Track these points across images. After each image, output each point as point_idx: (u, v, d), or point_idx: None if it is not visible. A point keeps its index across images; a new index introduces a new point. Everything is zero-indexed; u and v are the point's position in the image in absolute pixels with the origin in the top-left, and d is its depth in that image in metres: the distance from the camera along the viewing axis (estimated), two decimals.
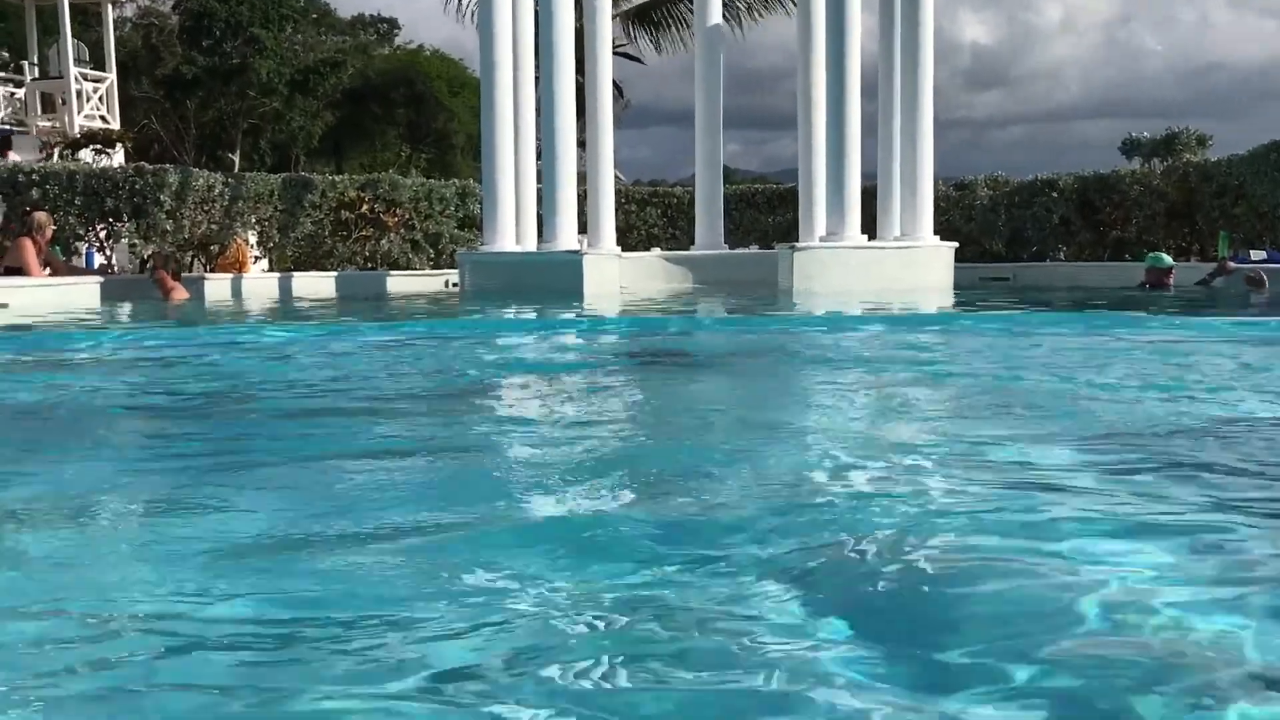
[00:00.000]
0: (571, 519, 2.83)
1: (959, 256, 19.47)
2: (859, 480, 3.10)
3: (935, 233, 19.65)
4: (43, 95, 28.57)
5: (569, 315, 13.45)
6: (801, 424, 4.25)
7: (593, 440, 3.84)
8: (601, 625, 2.02)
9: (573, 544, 2.59)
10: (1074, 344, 7.76)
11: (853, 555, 2.47)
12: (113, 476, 3.53)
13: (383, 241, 22.48)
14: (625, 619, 2.02)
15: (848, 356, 7.21)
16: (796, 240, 20.44)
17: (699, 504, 2.85)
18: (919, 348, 7.58)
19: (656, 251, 22.89)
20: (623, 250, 20.22)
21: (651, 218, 26.78)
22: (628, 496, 2.99)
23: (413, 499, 2.94)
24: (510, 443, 3.86)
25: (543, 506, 2.98)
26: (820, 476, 3.23)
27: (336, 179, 22.67)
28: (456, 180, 24.85)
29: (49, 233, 16.27)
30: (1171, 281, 17.59)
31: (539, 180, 19.20)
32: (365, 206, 22.44)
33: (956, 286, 18.03)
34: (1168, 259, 18.07)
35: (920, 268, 18.49)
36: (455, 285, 19.64)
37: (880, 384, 5.71)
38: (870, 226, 19.86)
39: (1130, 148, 42.72)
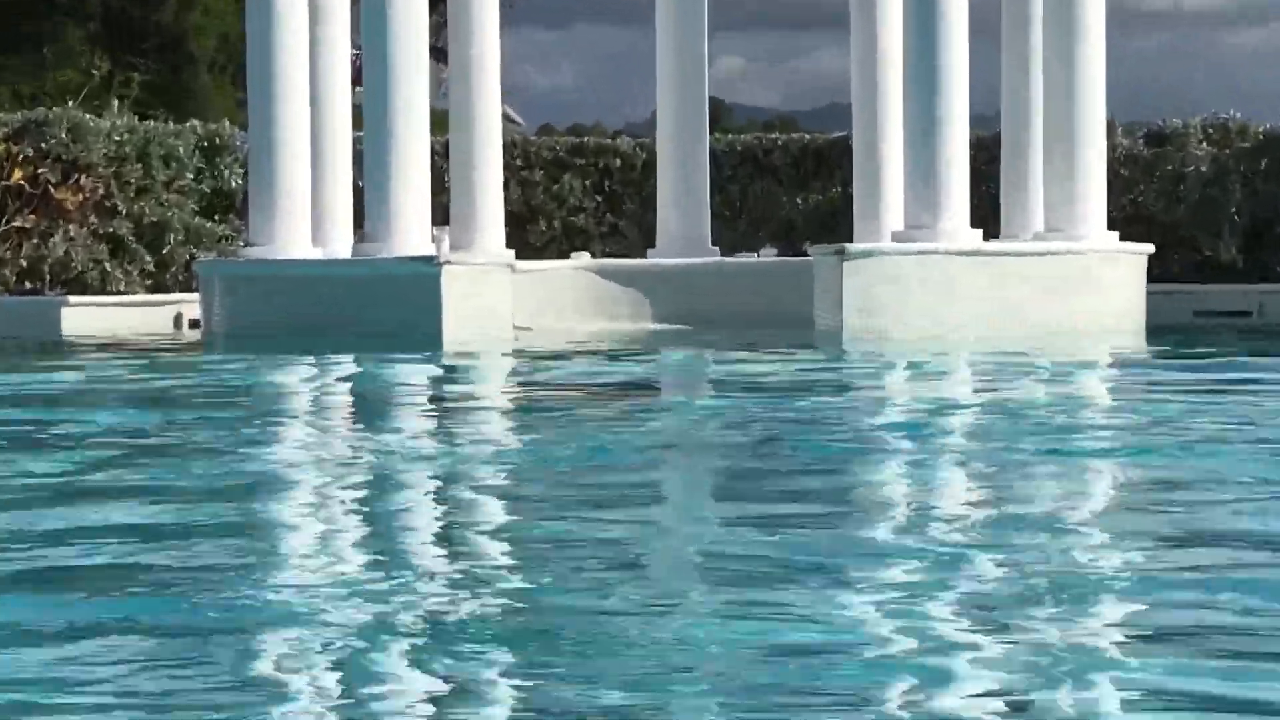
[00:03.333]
0: None
1: (1155, 269, 17.91)
2: None
3: (1111, 227, 17.61)
4: None
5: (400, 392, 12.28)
6: None
7: None
8: None
9: None
10: None
11: None
12: None
13: (54, 239, 20.20)
14: None
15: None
16: (849, 238, 18.67)
17: None
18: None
19: (585, 259, 20.86)
20: (520, 256, 18.49)
21: (575, 194, 23.91)
22: None
23: None
24: None
25: None
26: None
27: None
28: (198, 124, 21.95)
29: None
30: None
31: (357, 129, 17.80)
32: (18, 172, 20.10)
33: (1155, 329, 16.60)
34: None
35: (1082, 291, 16.60)
36: (195, 325, 18.05)
37: None
38: (984, 213, 18.29)
39: None
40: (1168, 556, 5.01)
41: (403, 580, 4.59)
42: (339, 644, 3.83)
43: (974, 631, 3.86)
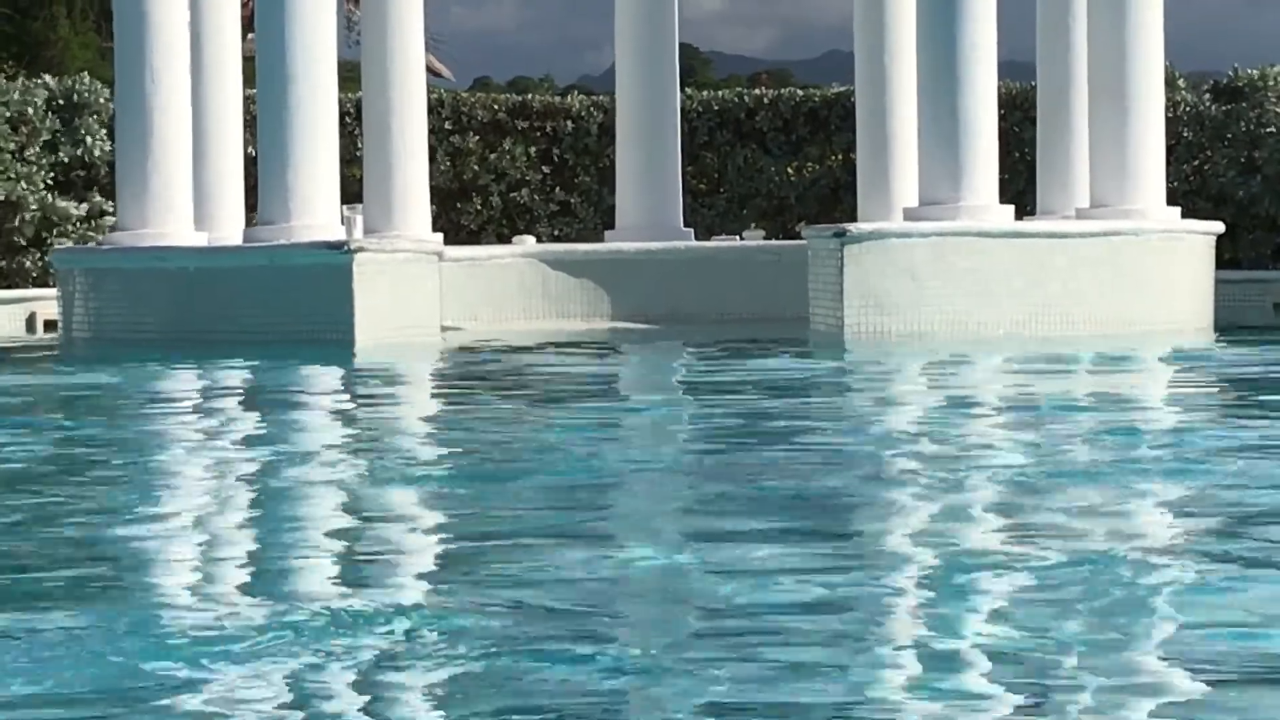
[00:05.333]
0: None
1: (1225, 252, 18.35)
2: None
3: (1171, 201, 17.81)
4: None
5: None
6: None
7: None
8: None
9: None
10: None
11: None
12: None
13: None
14: None
15: None
16: (851, 217, 19.24)
17: None
18: None
19: (529, 244, 20.90)
20: (450, 241, 19.15)
21: (517, 165, 24.02)
22: None
23: None
24: None
25: None
26: None
27: None
28: (49, 80, 21.81)
29: None
30: None
31: (250, 86, 18.16)
32: None
33: (1222, 326, 17.01)
34: None
35: (1137, 281, 16.79)
36: (53, 326, 18.53)
37: None
38: (1017, 185, 19.32)
39: None
40: None
41: None
42: None
43: None
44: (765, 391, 12.71)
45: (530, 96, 25.48)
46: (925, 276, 15.82)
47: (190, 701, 4.01)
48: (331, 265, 15.56)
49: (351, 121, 20.15)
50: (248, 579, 5.79)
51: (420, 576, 5.80)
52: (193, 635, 4.69)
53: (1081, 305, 16.05)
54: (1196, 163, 21.09)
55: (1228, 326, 16.65)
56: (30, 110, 20.74)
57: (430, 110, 19.48)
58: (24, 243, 20.13)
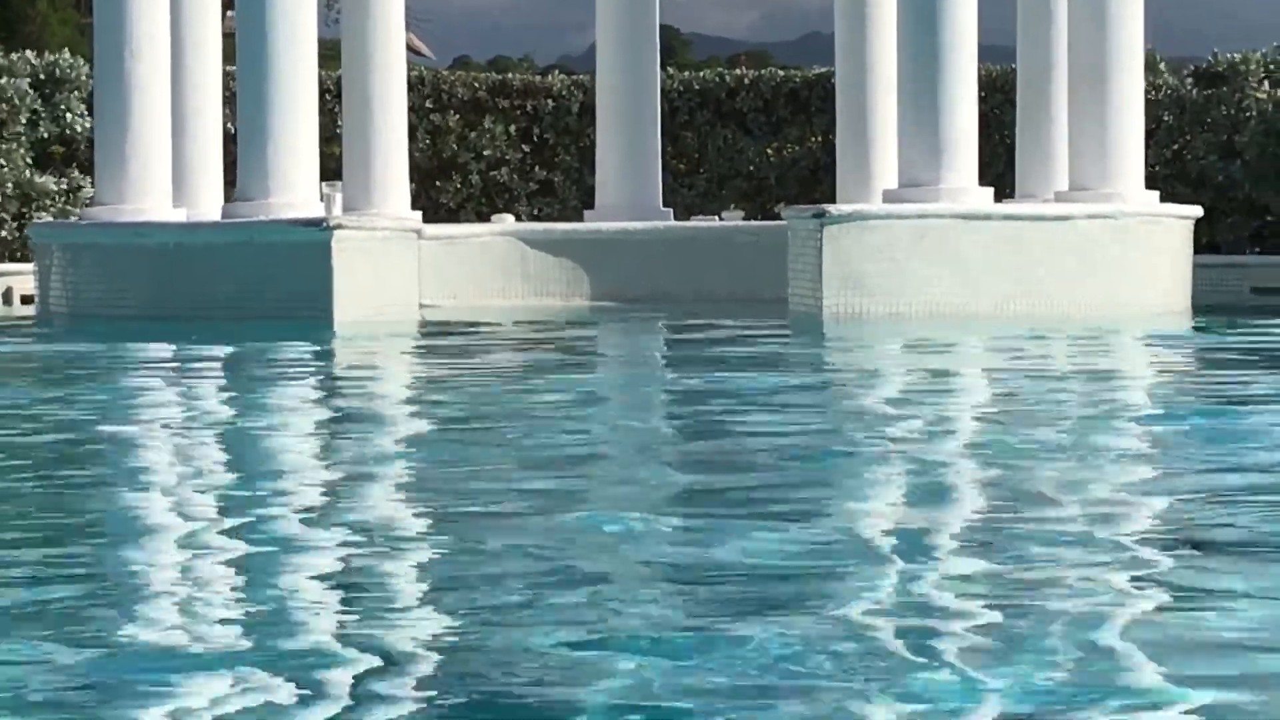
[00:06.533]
0: None
1: (1204, 236, 18.39)
2: None
3: (1150, 185, 17.87)
4: None
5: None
6: None
7: None
8: None
9: None
10: None
11: None
12: None
13: None
14: None
15: None
16: (831, 198, 19.22)
17: None
18: None
19: (509, 222, 20.86)
20: (429, 219, 19.07)
21: (497, 144, 24.08)
22: None
23: None
24: None
25: None
26: None
27: None
28: (31, 55, 21.78)
29: None
30: None
31: (229, 63, 17.98)
32: None
33: (1200, 309, 17.11)
34: None
35: (1116, 263, 16.82)
36: (29, 301, 18.46)
37: None
38: (996, 168, 19.26)
39: None
40: None
41: None
42: None
43: None
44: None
45: (511, 76, 25.40)
46: (905, 258, 15.80)
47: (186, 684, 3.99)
48: (311, 242, 15.48)
49: (331, 99, 20.09)
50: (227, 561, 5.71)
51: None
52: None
53: (1060, 288, 16.05)
54: (1176, 147, 21.11)
55: (1204, 307, 16.60)
56: (11, 87, 20.66)
57: (410, 88, 19.51)
58: (7, 217, 20.09)
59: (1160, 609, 4.62)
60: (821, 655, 4.05)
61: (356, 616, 4.74)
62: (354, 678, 3.96)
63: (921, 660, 4.05)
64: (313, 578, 5.23)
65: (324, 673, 4.02)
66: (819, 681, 3.86)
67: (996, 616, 4.45)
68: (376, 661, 4.06)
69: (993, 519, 6.17)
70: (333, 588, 5.07)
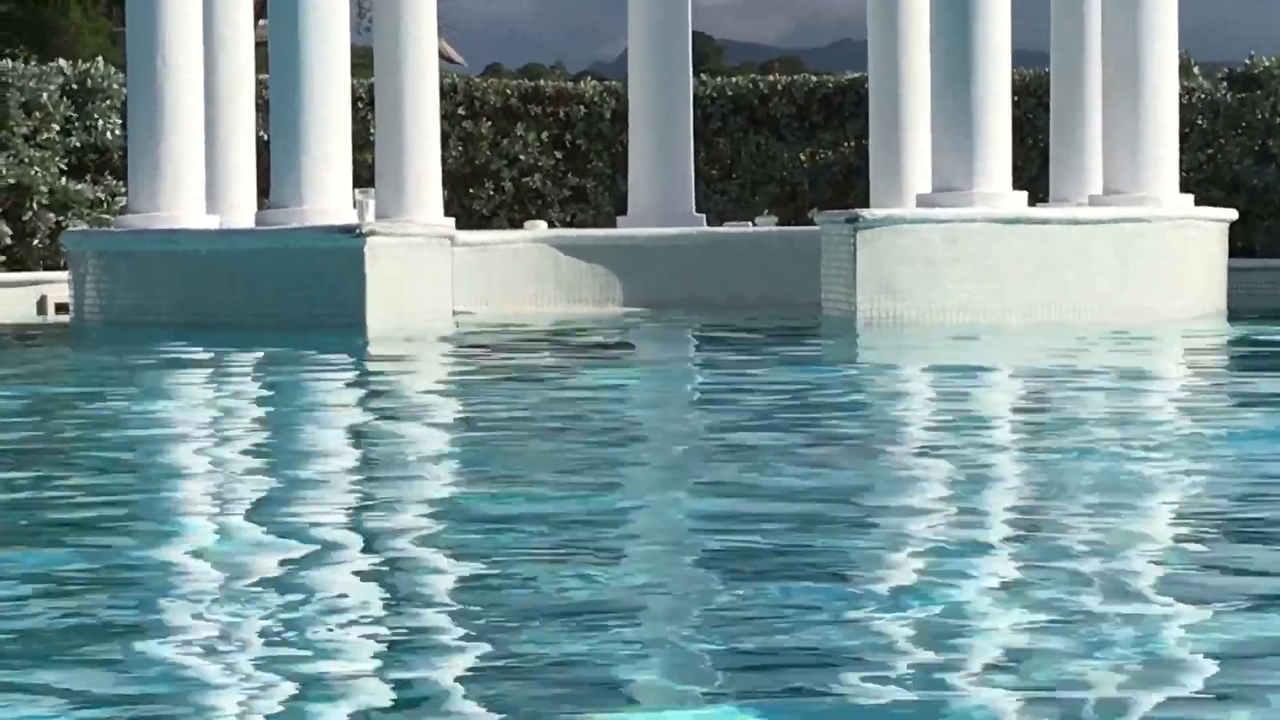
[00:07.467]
0: None
1: (1238, 240, 18.23)
2: None
3: (1185, 189, 17.76)
4: None
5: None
6: None
7: None
8: None
9: None
10: None
11: None
12: None
13: None
14: None
15: None
16: (864, 203, 19.10)
17: None
18: None
19: (541, 229, 20.89)
20: (462, 225, 19.04)
21: (530, 150, 24.04)
22: None
23: None
24: None
25: None
26: None
27: None
28: (65, 65, 21.77)
29: None
30: None
31: (262, 71, 18.06)
32: None
33: (1237, 312, 17.07)
34: None
35: (1150, 268, 16.75)
36: (64, 309, 18.39)
37: None
38: (1030, 172, 19.33)
39: None
40: None
41: None
42: None
43: None
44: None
45: (543, 82, 25.32)
46: (938, 262, 15.73)
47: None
48: (343, 249, 15.45)
49: (364, 106, 20.03)
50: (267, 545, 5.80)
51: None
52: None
53: (1094, 292, 15.96)
54: (1210, 151, 20.95)
55: (1238, 311, 16.49)
56: (45, 96, 20.62)
57: (442, 95, 19.45)
58: (48, 229, 20.04)
59: None
60: None
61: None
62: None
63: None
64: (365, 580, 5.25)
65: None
66: None
67: None
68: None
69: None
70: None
